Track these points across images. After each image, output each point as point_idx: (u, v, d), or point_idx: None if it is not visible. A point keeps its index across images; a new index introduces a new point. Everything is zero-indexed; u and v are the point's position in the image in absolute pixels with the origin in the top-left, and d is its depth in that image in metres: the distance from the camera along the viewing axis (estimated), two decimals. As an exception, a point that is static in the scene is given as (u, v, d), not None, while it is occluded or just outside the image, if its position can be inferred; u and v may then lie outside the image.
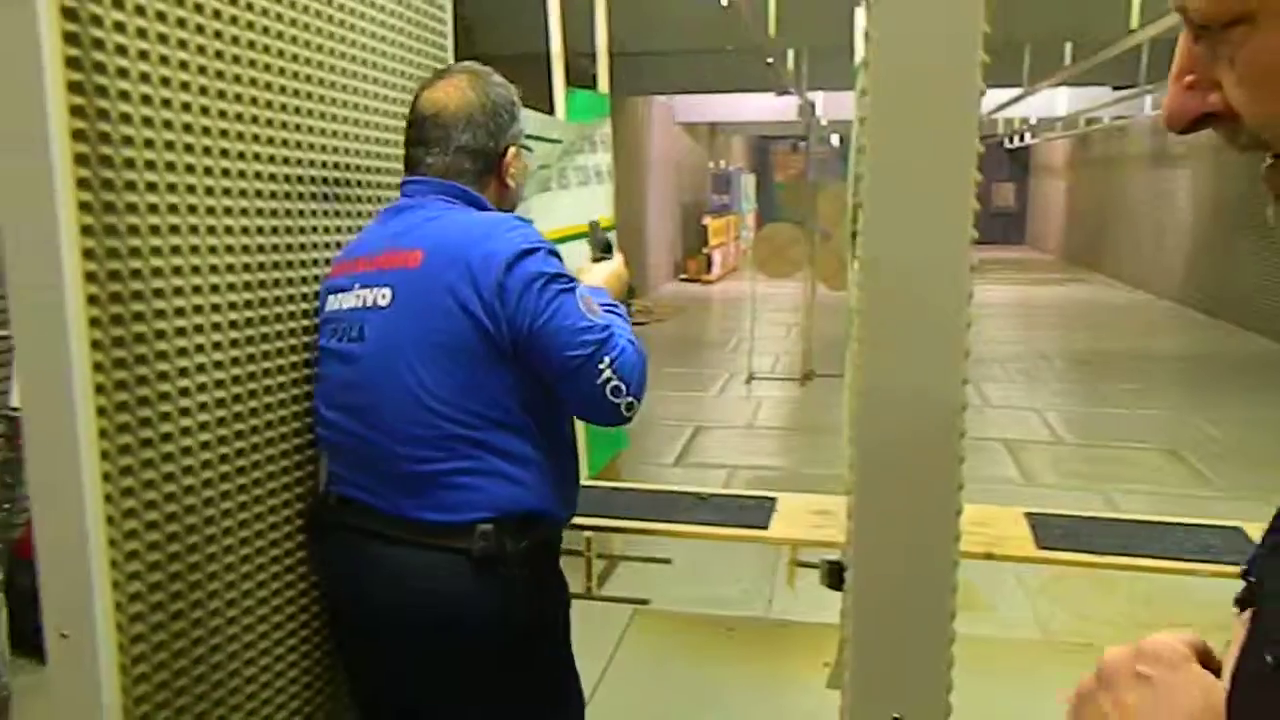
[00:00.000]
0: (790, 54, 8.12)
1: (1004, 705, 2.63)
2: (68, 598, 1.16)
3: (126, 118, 1.18)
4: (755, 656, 3.18)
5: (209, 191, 1.33)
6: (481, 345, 1.36)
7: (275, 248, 1.48)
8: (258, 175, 1.43)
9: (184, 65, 1.27)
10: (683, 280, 15.18)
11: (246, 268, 1.41)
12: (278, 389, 1.50)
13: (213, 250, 1.34)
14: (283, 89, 1.48)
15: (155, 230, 1.23)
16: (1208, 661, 0.58)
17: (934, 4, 0.94)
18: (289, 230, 1.51)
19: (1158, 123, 11.13)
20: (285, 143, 1.49)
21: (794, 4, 6.27)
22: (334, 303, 1.49)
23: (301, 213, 1.54)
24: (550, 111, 3.17)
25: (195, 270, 1.31)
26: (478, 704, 1.47)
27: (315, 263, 1.58)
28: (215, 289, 1.35)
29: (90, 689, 1.17)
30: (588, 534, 3.28)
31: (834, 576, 1.21)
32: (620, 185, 3.88)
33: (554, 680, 1.57)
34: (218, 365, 1.36)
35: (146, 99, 1.21)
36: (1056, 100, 12.78)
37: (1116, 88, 10.11)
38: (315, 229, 1.58)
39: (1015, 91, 9.27)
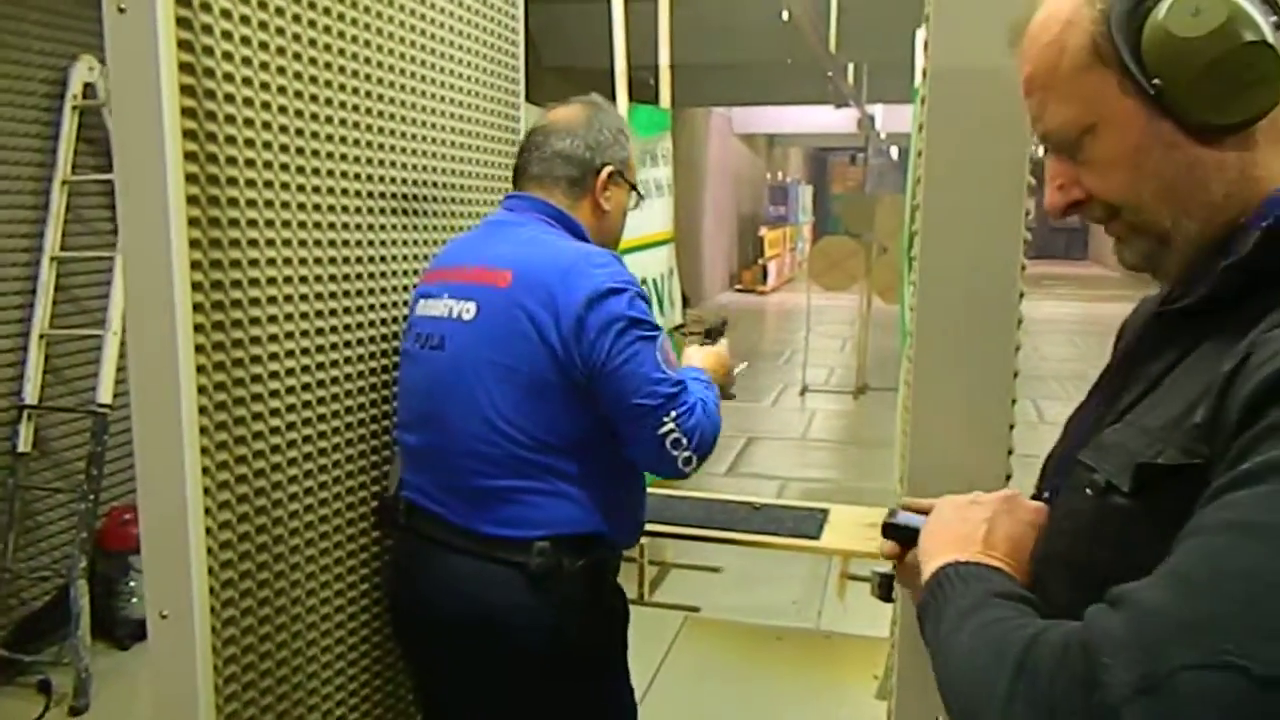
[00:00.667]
0: (850, 67, 8.11)
1: None
2: (168, 580, 1.26)
3: (231, 139, 1.28)
4: (804, 667, 3.21)
5: (301, 207, 1.42)
6: (554, 373, 1.37)
7: (359, 259, 1.57)
8: (345, 191, 1.52)
9: (281, 90, 1.37)
10: (738, 291, 15.19)
11: (333, 278, 1.51)
12: (357, 393, 1.59)
13: (303, 262, 1.44)
14: (368, 110, 1.57)
15: (254, 244, 1.33)
16: None
17: (991, 19, 0.98)
18: (372, 243, 1.60)
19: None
20: (370, 160, 1.58)
21: (854, 19, 6.28)
22: (423, 308, 1.52)
23: (384, 226, 1.64)
24: (613, 127, 3.24)
25: (288, 280, 1.40)
26: (525, 713, 1.49)
27: (396, 274, 1.67)
28: (304, 298, 1.45)
29: (186, 666, 1.26)
30: (642, 540, 3.34)
31: (884, 588, 1.25)
32: (678, 195, 3.94)
33: (603, 694, 1.57)
34: (304, 369, 1.46)
35: (249, 122, 1.31)
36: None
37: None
38: (396, 241, 1.67)
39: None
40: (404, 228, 1.70)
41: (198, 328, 1.25)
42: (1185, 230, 0.71)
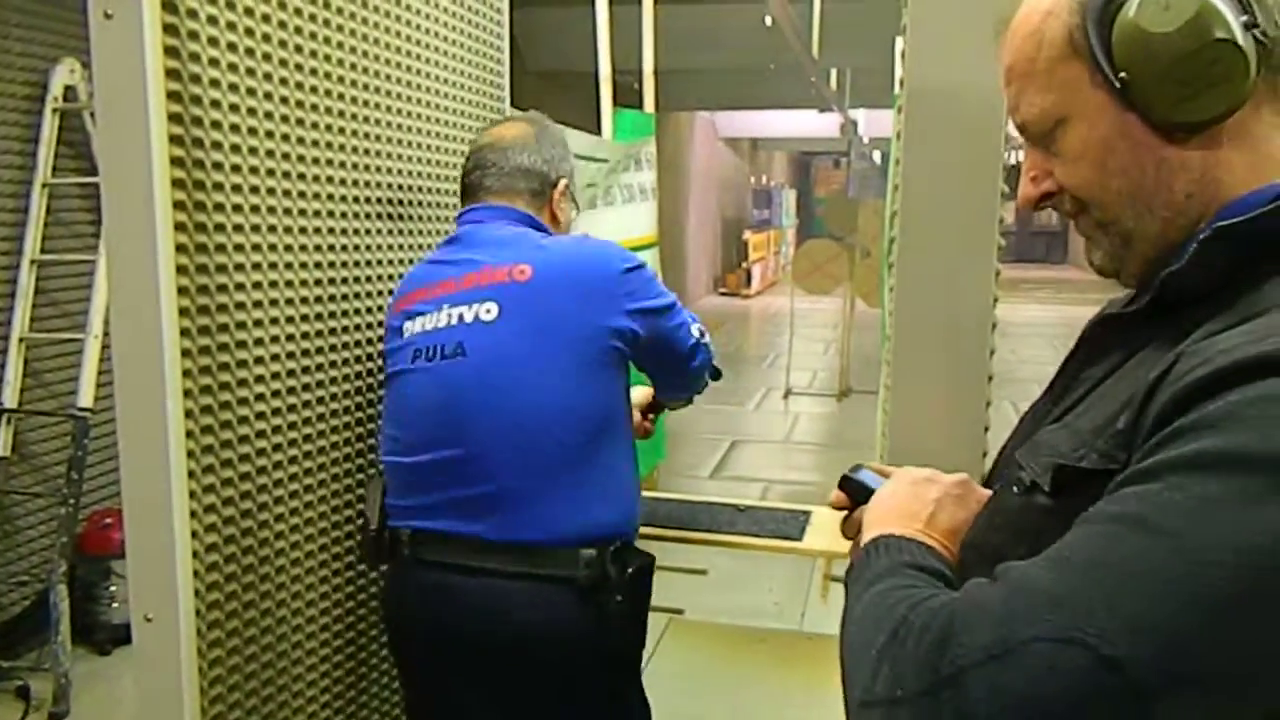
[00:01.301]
0: (833, 72, 8.17)
1: None
2: (153, 584, 1.26)
3: (217, 145, 1.29)
4: (787, 668, 3.23)
5: (287, 212, 1.43)
6: (601, 354, 1.41)
7: (345, 264, 1.58)
8: (331, 196, 1.53)
9: (267, 95, 1.38)
10: (722, 294, 15.23)
11: (319, 282, 1.52)
12: (342, 395, 1.60)
13: (289, 266, 1.44)
14: (354, 115, 1.58)
15: (240, 248, 1.34)
16: None
17: (965, 27, 1.00)
18: (358, 248, 1.61)
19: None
20: (356, 166, 1.59)
21: (837, 25, 6.33)
22: (413, 327, 1.47)
23: (370, 231, 1.64)
24: (598, 131, 3.27)
25: (274, 285, 1.41)
26: None
27: (382, 278, 1.68)
28: (290, 301, 1.45)
29: (171, 670, 1.27)
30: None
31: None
32: (662, 198, 3.96)
33: (633, 707, 1.56)
34: (290, 373, 1.46)
35: (235, 127, 1.32)
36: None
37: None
38: (383, 246, 1.68)
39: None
40: (390, 232, 1.71)
41: (183, 331, 1.26)
42: (1146, 230, 0.71)
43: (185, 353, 1.26)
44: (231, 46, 1.30)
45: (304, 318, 1.49)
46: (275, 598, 1.46)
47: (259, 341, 1.39)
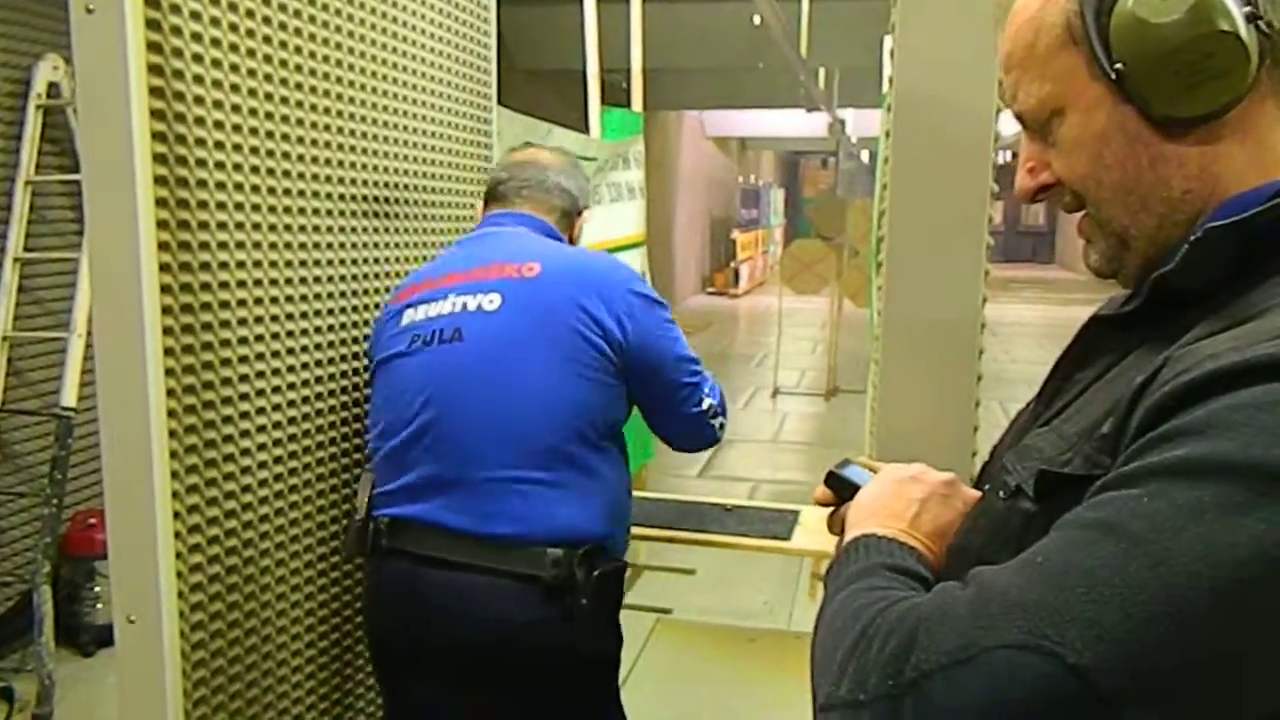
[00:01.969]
0: (821, 72, 8.18)
1: None
2: (136, 584, 1.25)
3: (201, 141, 1.27)
4: (775, 668, 3.23)
5: (271, 209, 1.42)
6: (596, 356, 1.41)
7: (330, 261, 1.57)
8: (315, 193, 1.52)
9: (252, 92, 1.36)
10: (710, 293, 15.24)
11: (303, 280, 1.50)
12: (328, 394, 1.59)
13: (274, 264, 1.43)
14: (339, 112, 1.57)
15: (224, 245, 1.32)
16: None
17: (954, 27, 1.00)
18: (343, 245, 1.60)
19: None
20: (341, 163, 1.58)
21: (825, 24, 6.34)
22: (415, 315, 1.48)
23: (356, 228, 1.63)
24: (585, 129, 3.26)
25: (258, 282, 1.40)
26: None
27: (367, 275, 1.67)
28: (275, 300, 1.44)
29: (154, 671, 1.25)
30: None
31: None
32: (650, 198, 3.96)
33: (608, 714, 1.56)
34: (275, 371, 1.45)
35: (219, 124, 1.30)
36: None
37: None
38: (368, 244, 1.67)
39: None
40: (375, 230, 1.69)
41: (166, 330, 1.24)
42: (1143, 227, 0.69)
43: (168, 351, 1.25)
44: (215, 42, 1.29)
45: (289, 316, 1.48)
46: (259, 599, 1.45)
47: (243, 340, 1.38)
